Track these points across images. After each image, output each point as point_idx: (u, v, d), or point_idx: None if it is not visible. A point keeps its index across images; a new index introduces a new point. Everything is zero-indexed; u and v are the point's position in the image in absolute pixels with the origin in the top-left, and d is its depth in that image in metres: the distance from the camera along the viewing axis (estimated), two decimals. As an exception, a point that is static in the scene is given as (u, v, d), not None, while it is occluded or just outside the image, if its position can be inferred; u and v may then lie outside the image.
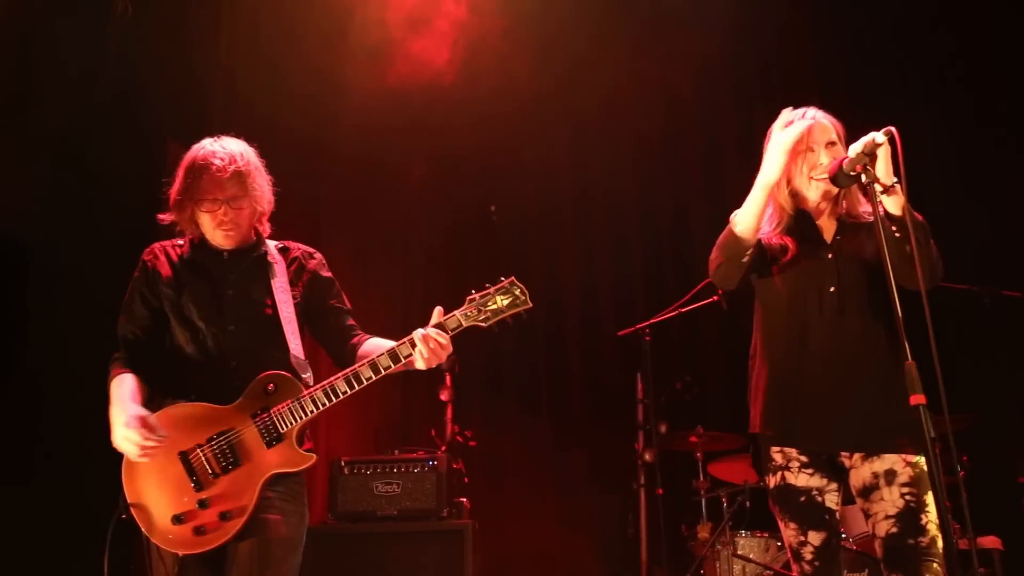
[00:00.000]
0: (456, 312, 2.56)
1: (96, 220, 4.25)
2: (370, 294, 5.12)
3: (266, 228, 2.74)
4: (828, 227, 2.67)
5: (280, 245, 2.78)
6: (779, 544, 4.49)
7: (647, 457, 4.56)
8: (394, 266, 5.84)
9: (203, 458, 2.47)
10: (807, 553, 2.54)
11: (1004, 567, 4.30)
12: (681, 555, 4.68)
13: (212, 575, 2.47)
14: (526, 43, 5.50)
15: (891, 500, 2.48)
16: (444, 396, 4.63)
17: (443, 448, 4.45)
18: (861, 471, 2.55)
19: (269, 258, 2.70)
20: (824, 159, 2.58)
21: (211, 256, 2.67)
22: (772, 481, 2.61)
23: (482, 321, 2.55)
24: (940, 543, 2.41)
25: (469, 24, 5.47)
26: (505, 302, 2.56)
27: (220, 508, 2.44)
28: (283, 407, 2.51)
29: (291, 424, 2.50)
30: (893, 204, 2.40)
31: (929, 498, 2.45)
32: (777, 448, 2.59)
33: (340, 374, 2.53)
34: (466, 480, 4.53)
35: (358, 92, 5.36)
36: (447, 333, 2.50)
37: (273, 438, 2.50)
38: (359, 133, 5.44)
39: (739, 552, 4.44)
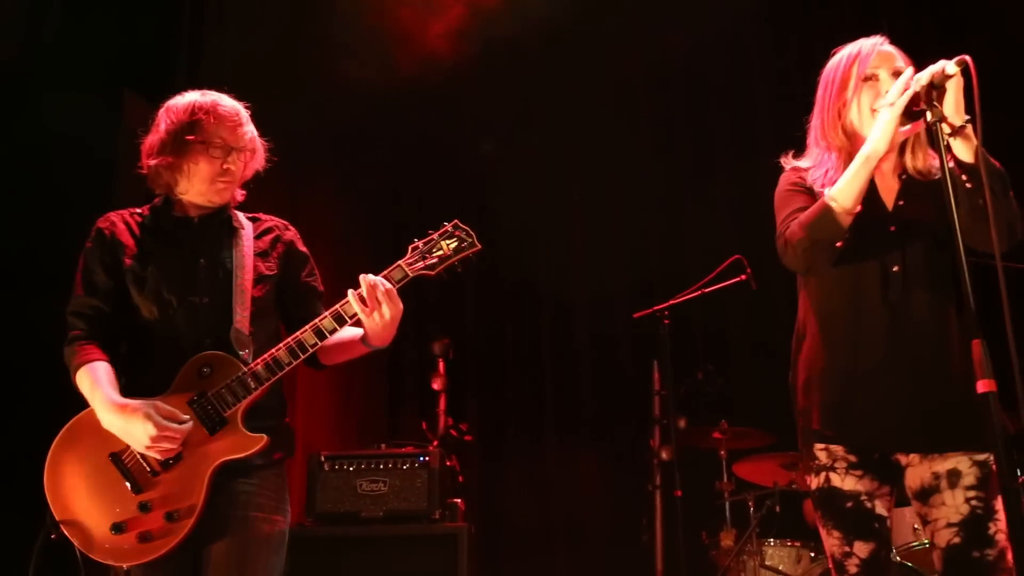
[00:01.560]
0: (400, 262, 2.47)
1: (48, 173, 4.07)
2: (349, 273, 4.93)
3: (240, 194, 2.66)
4: (890, 188, 2.42)
5: (250, 215, 2.69)
6: (812, 555, 4.38)
7: (664, 455, 4.46)
8: (386, 247, 5.69)
9: (138, 456, 2.33)
10: (852, 566, 2.35)
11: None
12: (702, 565, 4.58)
13: None
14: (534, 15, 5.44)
15: (954, 505, 2.27)
16: (437, 385, 4.59)
17: (435, 443, 4.40)
18: (919, 470, 2.35)
19: (235, 223, 2.61)
20: (890, 87, 2.29)
21: (177, 222, 2.56)
22: (815, 482, 2.42)
23: (428, 269, 2.46)
24: (1010, 556, 2.20)
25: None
26: (452, 246, 2.48)
27: (165, 509, 2.30)
28: (221, 388, 2.38)
29: (232, 405, 2.37)
30: (964, 149, 2.18)
31: (999, 504, 2.24)
32: (822, 446, 2.40)
33: (281, 344, 2.43)
34: (461, 479, 4.43)
35: (342, 51, 5.21)
36: (392, 284, 2.42)
37: (216, 423, 2.36)
38: (340, 89, 5.32)
39: (767, 563, 4.33)
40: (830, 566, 2.42)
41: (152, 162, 2.49)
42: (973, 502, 2.27)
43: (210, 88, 2.64)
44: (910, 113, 2.18)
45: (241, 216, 2.64)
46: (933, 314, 2.34)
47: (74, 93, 4.07)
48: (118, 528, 2.28)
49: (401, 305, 2.40)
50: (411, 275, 2.44)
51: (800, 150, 2.51)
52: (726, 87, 5.97)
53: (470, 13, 5.40)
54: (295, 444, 2.61)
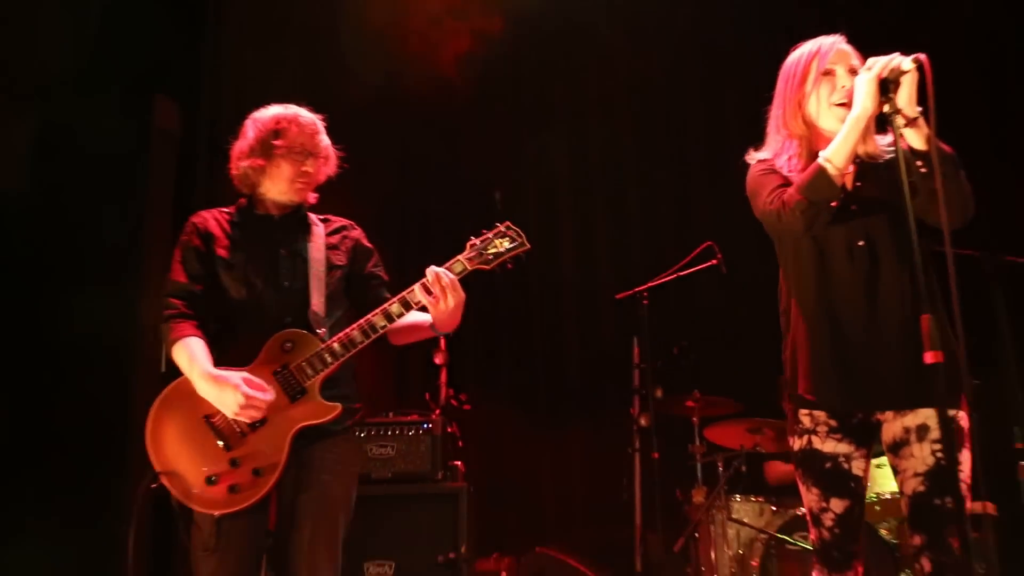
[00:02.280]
0: (460, 256, 2.65)
1: (83, 174, 4.25)
2: None
3: (313, 197, 2.85)
4: (847, 173, 2.45)
5: (321, 216, 2.87)
6: (774, 509, 4.55)
7: (643, 421, 4.59)
8: (389, 237, 5.72)
9: (229, 419, 2.52)
10: (828, 519, 2.45)
11: (996, 533, 4.31)
12: (676, 519, 4.72)
13: (249, 532, 2.52)
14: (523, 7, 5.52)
15: (921, 457, 2.36)
16: (439, 359, 4.61)
17: (437, 411, 4.44)
18: (893, 426, 2.43)
19: (310, 221, 2.82)
20: (846, 83, 2.39)
21: (261, 220, 2.77)
22: (797, 444, 2.51)
23: (484, 263, 2.64)
24: (967, 504, 2.31)
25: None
26: (505, 245, 2.67)
27: (253, 465, 2.50)
28: (302, 361, 2.57)
29: (311, 376, 2.56)
30: (917, 137, 2.24)
31: (963, 456, 2.35)
32: (806, 411, 2.48)
33: (355, 324, 2.61)
34: (460, 444, 4.52)
35: (358, 54, 5.34)
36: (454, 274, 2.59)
37: (296, 392, 2.55)
38: (357, 99, 5.33)
39: (734, 516, 4.48)
40: (808, 519, 2.49)
41: (243, 164, 2.71)
42: (938, 454, 2.33)
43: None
44: (884, 88, 2.21)
45: (313, 216, 2.84)
46: (900, 282, 2.36)
47: (109, 97, 4.27)
48: (211, 480, 2.47)
49: (463, 294, 2.57)
50: (470, 268, 2.62)
51: (760, 146, 2.56)
52: (701, 86, 6.02)
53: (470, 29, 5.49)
54: (360, 406, 2.76)
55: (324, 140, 2.78)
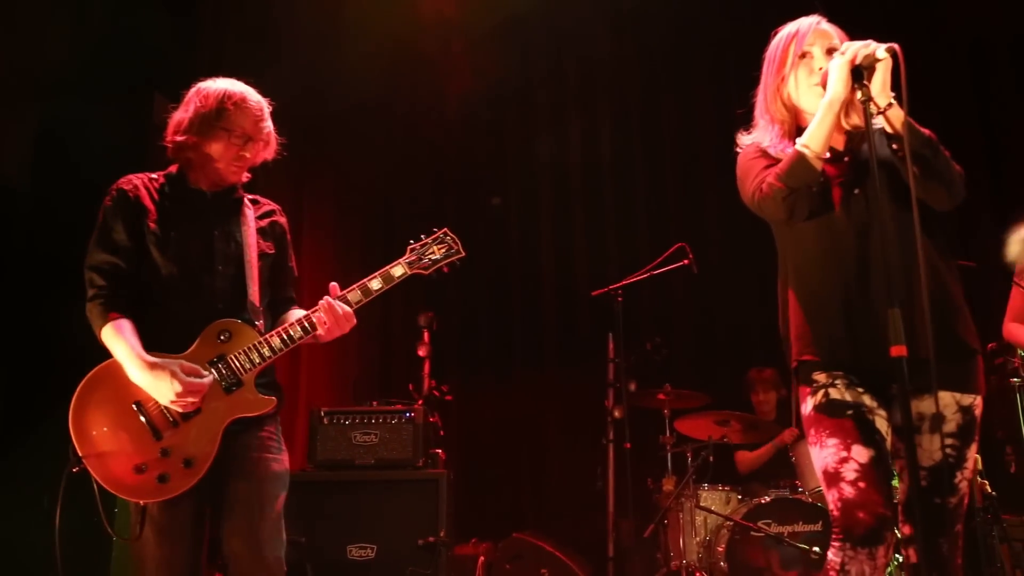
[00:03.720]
0: (400, 260, 2.70)
1: (81, 170, 4.20)
2: (347, 257, 5.17)
3: (245, 176, 2.74)
4: (838, 141, 2.37)
5: (250, 196, 2.76)
6: (739, 497, 4.71)
7: (616, 413, 4.64)
8: (370, 228, 5.92)
9: (161, 407, 2.44)
10: (850, 471, 2.10)
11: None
12: (647, 507, 4.84)
13: (182, 520, 2.46)
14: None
15: (929, 450, 2.18)
16: (422, 352, 4.67)
17: (420, 401, 4.47)
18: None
19: (243, 203, 2.71)
20: (823, 64, 2.31)
21: (194, 195, 2.63)
22: (812, 402, 2.23)
23: (422, 269, 2.71)
24: (966, 500, 2.20)
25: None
26: (441, 251, 2.73)
27: (183, 455, 2.42)
28: (240, 352, 2.51)
29: (249, 369, 2.51)
30: (892, 122, 2.18)
31: (971, 451, 2.20)
32: (820, 371, 2.25)
33: (295, 321, 2.58)
34: (442, 432, 4.59)
35: (351, 56, 5.39)
36: (351, 306, 2.59)
37: (232, 383, 2.50)
38: (349, 94, 5.49)
39: (702, 504, 4.62)
40: (823, 484, 2.18)
41: (179, 138, 2.57)
42: (948, 450, 2.18)
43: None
44: (858, 74, 2.16)
45: (246, 197, 2.72)
46: (899, 226, 2.15)
47: (109, 96, 4.25)
48: (140, 469, 2.38)
49: (355, 321, 2.58)
50: (410, 272, 2.68)
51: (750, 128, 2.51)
52: (677, 90, 6.12)
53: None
54: (284, 395, 2.68)
55: (267, 126, 2.64)
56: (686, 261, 4.59)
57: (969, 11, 5.49)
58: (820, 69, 2.30)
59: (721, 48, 6.02)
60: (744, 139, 2.49)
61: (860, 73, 2.16)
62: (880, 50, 2.13)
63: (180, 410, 2.41)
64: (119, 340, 2.43)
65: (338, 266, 5.50)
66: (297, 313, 2.67)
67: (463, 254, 2.77)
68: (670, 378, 4.92)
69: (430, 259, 2.72)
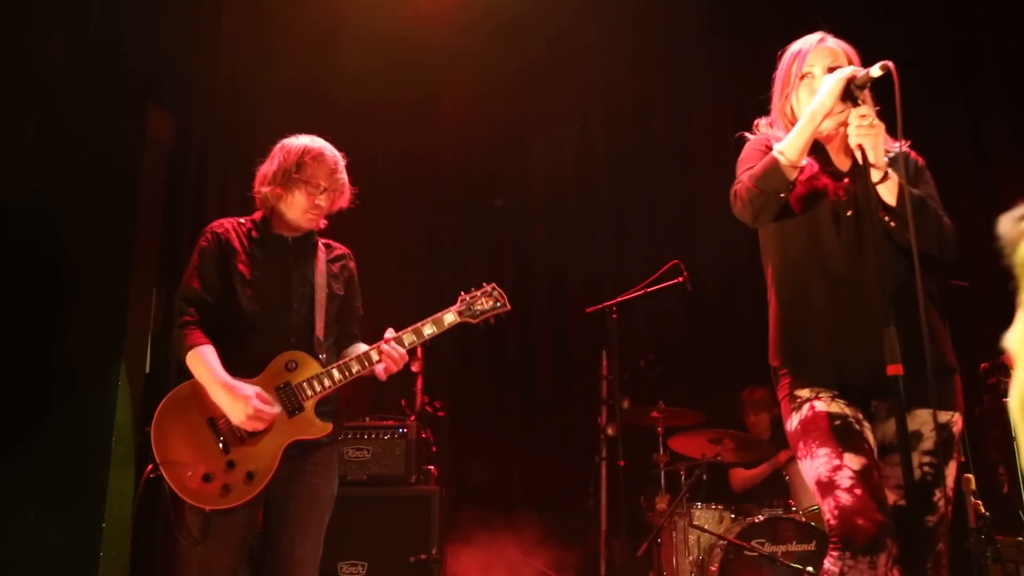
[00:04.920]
0: (451, 308, 2.97)
1: (76, 181, 4.29)
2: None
3: (323, 223, 3.02)
4: (842, 163, 2.41)
5: (324, 241, 3.04)
6: (732, 516, 4.69)
7: (610, 431, 4.63)
8: (364, 246, 5.86)
9: (231, 425, 2.70)
10: (844, 479, 2.08)
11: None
12: (640, 525, 4.83)
13: (237, 528, 2.69)
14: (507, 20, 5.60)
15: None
16: (415, 367, 4.67)
17: (412, 417, 4.48)
18: (885, 426, 2.25)
19: (319, 249, 3.00)
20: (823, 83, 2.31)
21: (277, 240, 2.94)
22: (797, 416, 2.24)
23: (471, 318, 2.97)
24: (948, 519, 2.20)
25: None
26: (488, 304, 3.01)
27: (246, 469, 2.67)
28: (303, 381, 2.78)
29: (310, 396, 2.77)
30: (887, 192, 2.20)
31: (950, 469, 2.21)
32: (801, 388, 2.28)
33: (354, 356, 2.85)
34: (434, 449, 4.60)
35: (348, 62, 5.42)
36: (403, 347, 2.86)
37: (295, 408, 2.76)
38: (344, 103, 5.50)
39: (695, 523, 4.59)
40: (817, 495, 2.15)
41: (264, 188, 2.90)
42: (926, 468, 2.17)
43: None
44: (836, 115, 2.23)
45: (320, 241, 3.03)
46: (890, 249, 2.21)
47: (104, 104, 4.28)
48: (207, 478, 2.64)
49: (407, 358, 2.87)
50: (459, 321, 2.95)
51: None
52: (671, 103, 6.15)
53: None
54: (344, 422, 2.99)
55: (342, 177, 2.94)
56: (680, 279, 4.59)
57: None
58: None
59: (719, 61, 6.05)
60: (763, 127, 2.53)
61: (852, 93, 2.19)
62: (874, 69, 2.15)
63: (249, 430, 2.68)
64: (202, 363, 2.71)
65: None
66: (359, 348, 2.95)
67: (508, 308, 3.03)
68: (664, 396, 4.90)
69: (479, 310, 2.99)
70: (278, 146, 2.95)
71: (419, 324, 2.90)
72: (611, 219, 6.06)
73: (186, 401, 2.73)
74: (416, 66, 5.72)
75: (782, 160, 2.26)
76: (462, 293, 2.99)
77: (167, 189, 4.42)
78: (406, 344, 2.87)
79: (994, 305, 4.83)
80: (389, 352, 2.82)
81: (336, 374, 2.79)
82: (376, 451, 4.25)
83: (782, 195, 2.30)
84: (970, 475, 3.78)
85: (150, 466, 2.67)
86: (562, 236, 6.11)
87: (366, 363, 2.82)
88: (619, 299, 4.73)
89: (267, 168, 2.93)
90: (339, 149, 3.02)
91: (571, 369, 5.68)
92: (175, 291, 2.90)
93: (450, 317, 2.93)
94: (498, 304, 3.00)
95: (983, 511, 3.82)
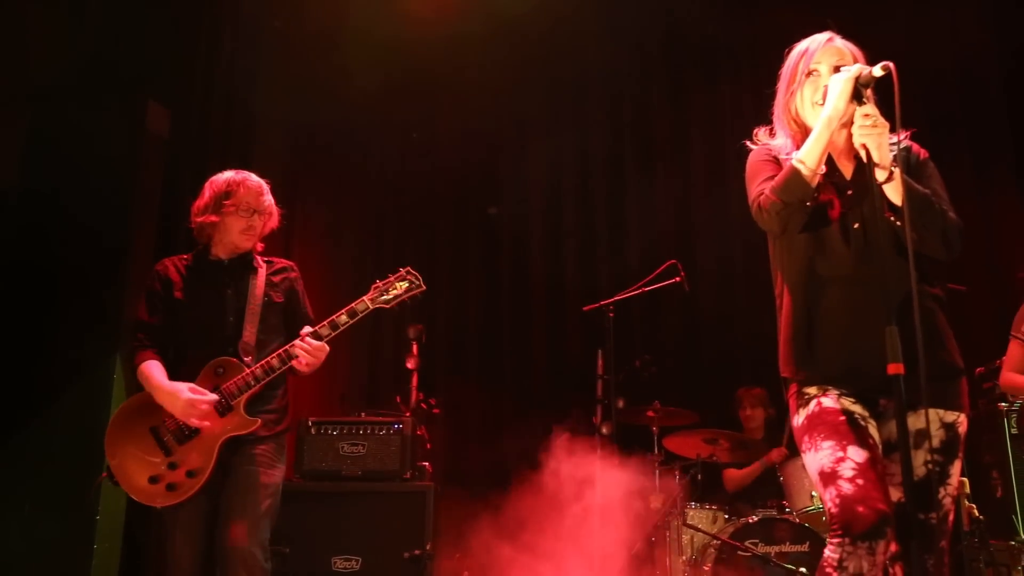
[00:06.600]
0: (364, 297, 3.18)
1: (74, 176, 4.30)
2: (338, 271, 5.19)
3: (259, 246, 3.33)
4: (846, 167, 2.42)
5: (265, 258, 3.34)
6: (726, 516, 4.71)
7: (605, 430, 4.66)
8: (361, 244, 5.92)
9: (170, 430, 3.05)
10: (847, 469, 2.11)
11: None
12: (634, 524, 4.68)
13: (190, 519, 3.02)
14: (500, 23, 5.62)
15: (912, 466, 2.07)
16: (410, 364, 4.71)
17: (408, 414, 4.49)
18: (892, 425, 2.26)
19: (255, 264, 3.30)
20: (828, 82, 2.33)
21: (214, 264, 3.26)
22: (804, 413, 2.28)
23: (384, 303, 3.18)
24: (951, 517, 2.23)
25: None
26: (403, 288, 3.20)
27: (186, 468, 3.01)
28: (231, 384, 3.08)
29: (237, 396, 3.07)
30: (893, 192, 2.21)
31: (955, 468, 2.24)
32: (810, 386, 2.31)
33: (274, 354, 3.11)
34: (429, 445, 4.59)
35: (347, 64, 5.41)
36: (322, 340, 3.12)
37: (225, 408, 3.07)
38: (344, 105, 5.48)
39: (689, 522, 4.61)
40: (819, 486, 2.18)
41: (199, 219, 3.21)
42: (930, 465, 2.21)
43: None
44: (857, 95, 2.21)
45: (260, 259, 3.32)
46: (899, 265, 2.14)
47: (102, 101, 4.31)
48: (153, 480, 3.00)
49: (327, 350, 3.12)
50: (372, 308, 3.16)
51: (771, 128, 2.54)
52: (672, 107, 6.13)
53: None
54: (291, 418, 3.26)
55: (268, 199, 3.26)
56: (677, 279, 4.61)
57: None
58: (824, 87, 2.33)
59: (716, 60, 6.03)
60: (762, 136, 2.54)
61: (859, 93, 2.21)
62: (876, 68, 2.17)
63: (196, 421, 2.99)
64: (146, 375, 3.09)
65: (329, 276, 5.48)
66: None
67: (424, 288, 3.22)
68: (659, 395, 4.91)
69: (393, 294, 3.19)
70: (207, 183, 3.26)
71: (335, 316, 3.13)
72: (609, 218, 6.07)
73: (132, 413, 3.09)
74: (416, 66, 5.74)
75: (803, 169, 2.27)
76: (377, 281, 3.20)
77: (164, 184, 4.42)
78: (322, 336, 3.12)
79: (989, 310, 4.83)
80: (302, 346, 3.08)
81: (259, 372, 3.06)
82: (371, 447, 4.25)
83: (808, 204, 2.30)
84: (964, 479, 3.80)
85: (104, 473, 3.03)
86: (560, 234, 6.12)
87: (285, 358, 3.08)
88: (616, 298, 4.76)
89: (200, 202, 3.24)
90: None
91: (567, 368, 5.69)
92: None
93: (363, 305, 3.15)
94: (413, 285, 3.19)
95: (977, 515, 3.83)
